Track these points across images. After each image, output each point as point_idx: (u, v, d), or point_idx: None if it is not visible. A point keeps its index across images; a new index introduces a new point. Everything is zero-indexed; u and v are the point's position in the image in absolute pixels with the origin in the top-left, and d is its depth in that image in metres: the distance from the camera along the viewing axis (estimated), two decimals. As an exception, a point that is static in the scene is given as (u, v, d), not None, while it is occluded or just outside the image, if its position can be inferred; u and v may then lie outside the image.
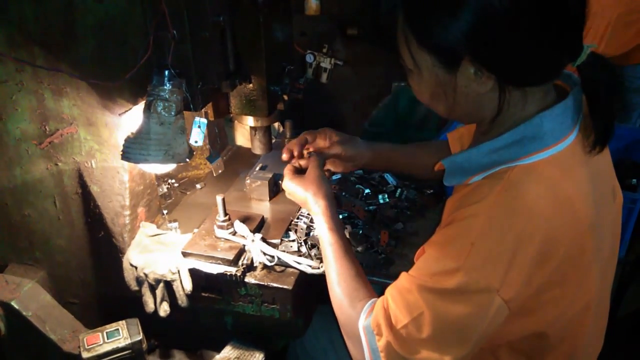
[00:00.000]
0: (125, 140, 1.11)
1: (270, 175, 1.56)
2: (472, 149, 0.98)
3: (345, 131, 2.03)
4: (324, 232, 1.18)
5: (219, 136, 1.77)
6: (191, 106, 1.12)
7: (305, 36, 2.33)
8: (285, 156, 1.34)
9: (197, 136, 1.22)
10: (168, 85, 1.06)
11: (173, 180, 1.67)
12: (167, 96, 1.06)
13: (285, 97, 1.35)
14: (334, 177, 1.66)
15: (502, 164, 0.92)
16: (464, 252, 0.88)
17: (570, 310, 0.97)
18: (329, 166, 1.41)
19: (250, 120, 1.37)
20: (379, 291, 1.09)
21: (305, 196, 1.23)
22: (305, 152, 1.36)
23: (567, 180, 0.91)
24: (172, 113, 1.07)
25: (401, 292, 0.96)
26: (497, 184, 0.89)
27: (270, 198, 1.57)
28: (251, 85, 1.26)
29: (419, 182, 1.67)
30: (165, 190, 1.63)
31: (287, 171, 1.31)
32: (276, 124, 2.01)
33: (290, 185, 1.27)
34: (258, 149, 1.45)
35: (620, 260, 1.95)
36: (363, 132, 2.33)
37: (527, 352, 1.02)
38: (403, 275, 0.99)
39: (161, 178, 1.66)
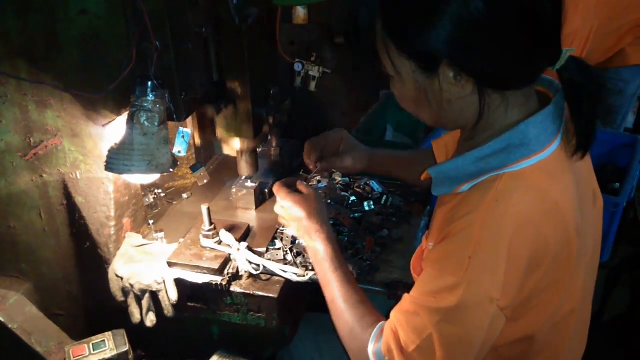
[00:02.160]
0: (109, 151, 1.11)
1: (256, 184, 1.57)
2: (459, 157, 0.98)
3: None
4: (325, 257, 1.17)
5: (204, 146, 1.77)
6: (174, 116, 1.13)
7: (294, 45, 2.35)
8: (310, 166, 1.39)
9: (181, 146, 1.23)
10: (151, 96, 1.07)
11: (159, 190, 1.67)
12: (150, 107, 1.06)
13: (271, 120, 1.37)
14: (319, 185, 1.67)
15: (489, 172, 0.93)
16: (463, 266, 0.88)
17: (558, 313, 0.98)
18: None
19: (236, 143, 1.39)
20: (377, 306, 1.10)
21: (302, 216, 1.21)
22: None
23: (554, 186, 0.92)
24: (156, 124, 1.07)
25: (407, 315, 0.96)
26: (487, 193, 0.90)
27: (257, 207, 1.57)
28: (236, 108, 1.28)
29: (404, 189, 1.68)
30: (152, 200, 1.63)
31: (280, 188, 1.27)
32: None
33: (287, 203, 1.24)
34: (244, 170, 1.47)
35: (604, 264, 1.98)
36: (351, 140, 2.34)
37: (513, 358, 1.03)
38: (406, 297, 0.99)
39: (147, 188, 1.66)
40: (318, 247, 1.18)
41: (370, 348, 1.01)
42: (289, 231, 1.37)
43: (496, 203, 0.89)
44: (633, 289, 2.02)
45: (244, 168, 1.46)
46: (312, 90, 2.30)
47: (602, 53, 2.33)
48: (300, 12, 2.49)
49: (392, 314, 1.00)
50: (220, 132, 1.34)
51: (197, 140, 1.42)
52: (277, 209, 1.29)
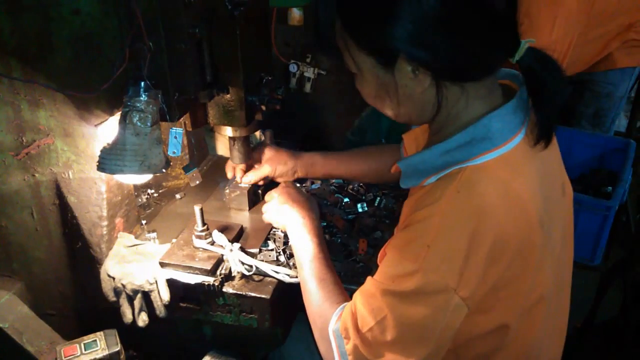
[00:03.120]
0: (101, 151, 1.11)
1: (249, 185, 1.57)
2: (425, 150, 1.01)
3: (329, 140, 2.07)
4: (306, 239, 1.23)
5: (197, 147, 1.77)
6: (167, 117, 1.13)
7: (289, 46, 2.35)
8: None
9: (175, 147, 1.23)
10: (144, 96, 1.06)
11: (152, 191, 1.67)
12: (142, 107, 1.06)
13: (263, 108, 1.37)
14: (312, 187, 1.68)
15: (454, 165, 0.95)
16: (421, 254, 0.91)
17: (525, 304, 1.00)
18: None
19: (228, 131, 1.38)
20: None
21: (292, 199, 1.31)
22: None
23: (517, 178, 0.94)
24: (148, 124, 1.07)
25: (366, 296, 1.00)
26: (450, 184, 0.93)
27: (250, 208, 1.57)
28: (229, 95, 1.28)
29: (397, 191, 1.68)
30: (145, 200, 1.63)
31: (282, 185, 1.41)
32: (257, 133, 2.02)
33: (273, 196, 1.35)
34: (237, 159, 1.46)
35: (596, 267, 2.00)
36: (346, 141, 2.34)
37: (486, 351, 1.04)
38: (369, 279, 1.03)
39: (140, 188, 1.66)
40: (301, 228, 1.25)
41: (331, 326, 1.05)
42: (267, 216, 1.41)
43: (457, 194, 0.91)
44: (625, 292, 2.03)
45: (236, 157, 1.46)
46: (307, 91, 2.31)
47: (588, 59, 2.34)
48: (296, 14, 2.49)
49: (355, 294, 1.04)
50: (212, 120, 1.33)
51: (189, 127, 1.41)
52: (271, 193, 1.39)
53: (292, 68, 2.28)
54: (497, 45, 0.92)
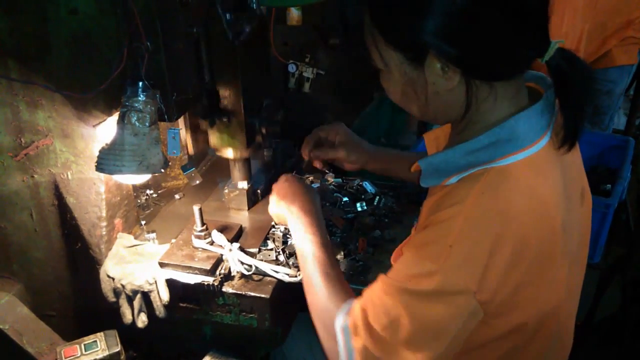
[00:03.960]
0: (100, 152, 1.11)
1: (248, 185, 1.57)
2: (448, 150, 0.98)
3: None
4: (309, 234, 1.19)
5: (196, 147, 1.77)
6: (166, 117, 1.13)
7: (287, 46, 2.35)
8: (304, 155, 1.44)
9: (174, 147, 1.23)
10: (142, 96, 1.07)
11: (151, 191, 1.67)
12: (141, 107, 1.06)
13: (264, 131, 1.38)
14: (312, 186, 1.68)
15: (478, 166, 0.93)
16: (443, 254, 0.88)
17: (543, 308, 0.98)
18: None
19: (229, 152, 1.40)
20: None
21: (295, 193, 1.26)
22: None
23: (541, 182, 0.92)
24: (147, 124, 1.07)
25: (379, 294, 0.96)
26: (474, 186, 0.91)
27: (249, 207, 1.57)
28: (229, 120, 1.29)
29: (397, 190, 1.68)
30: (144, 200, 1.63)
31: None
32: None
33: (287, 179, 1.31)
34: (237, 179, 1.48)
35: (596, 265, 1.99)
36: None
37: (502, 356, 1.03)
38: (381, 277, 0.99)
39: (139, 189, 1.66)
40: (307, 222, 1.20)
41: (339, 323, 1.01)
42: (269, 209, 1.36)
43: (482, 196, 0.89)
44: (624, 290, 2.03)
45: (237, 177, 1.48)
46: (306, 91, 2.31)
47: (588, 55, 2.35)
48: (294, 14, 2.49)
49: (365, 292, 1.00)
50: (213, 142, 1.36)
51: (190, 145, 1.43)
52: (274, 186, 1.33)
53: (291, 68, 2.27)
54: (528, 44, 0.90)
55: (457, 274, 0.88)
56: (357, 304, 1.00)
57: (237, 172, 1.46)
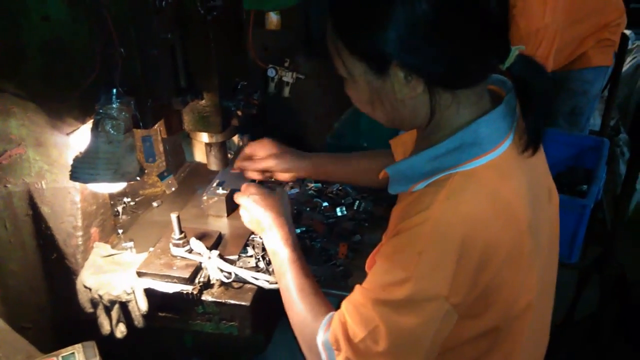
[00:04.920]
0: (74, 160, 1.09)
1: (227, 191, 1.55)
2: (414, 156, 1.00)
3: (309, 144, 2.04)
4: (281, 249, 1.21)
5: (174, 153, 1.76)
6: (141, 124, 1.11)
7: (267, 51, 2.34)
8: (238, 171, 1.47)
9: (150, 154, 1.21)
10: (116, 103, 1.05)
11: (129, 199, 1.65)
12: (115, 114, 1.05)
13: (239, 113, 1.36)
14: (291, 192, 1.67)
15: (443, 171, 0.94)
16: (412, 261, 0.90)
17: (514, 308, 0.99)
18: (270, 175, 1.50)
19: (204, 137, 1.37)
20: (337, 305, 1.09)
21: (260, 210, 1.28)
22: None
23: (505, 184, 0.94)
24: (121, 131, 1.06)
25: (356, 305, 0.98)
26: (439, 191, 0.92)
27: (228, 214, 1.56)
28: (203, 101, 1.26)
29: (376, 194, 1.69)
30: (121, 209, 1.61)
31: (241, 191, 1.36)
32: (236, 139, 2.01)
33: (246, 202, 1.31)
34: (214, 165, 1.45)
35: (574, 265, 2.02)
36: (326, 145, 2.34)
37: (476, 355, 1.04)
38: (357, 288, 1.01)
39: (116, 197, 1.64)
40: (278, 238, 1.23)
41: (320, 338, 1.03)
42: (245, 221, 1.37)
43: (447, 201, 0.90)
44: (602, 288, 2.06)
45: (213, 163, 1.44)
46: (286, 96, 2.31)
47: (565, 57, 2.39)
48: (273, 18, 2.49)
49: (343, 304, 1.02)
50: (187, 126, 1.32)
51: (164, 134, 1.38)
52: (241, 199, 1.34)
53: (271, 73, 2.27)
54: (490, 52, 0.92)
55: (428, 280, 0.90)
56: (336, 317, 1.01)
57: (213, 157, 1.42)
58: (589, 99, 2.54)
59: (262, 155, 1.47)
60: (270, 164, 1.45)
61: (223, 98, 1.27)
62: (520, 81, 0.95)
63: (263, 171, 1.48)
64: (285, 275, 1.17)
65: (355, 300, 0.98)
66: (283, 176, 1.49)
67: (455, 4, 0.86)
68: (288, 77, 2.30)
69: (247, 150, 1.49)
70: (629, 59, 3.32)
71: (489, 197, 0.91)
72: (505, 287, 0.95)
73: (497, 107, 0.96)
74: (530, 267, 0.99)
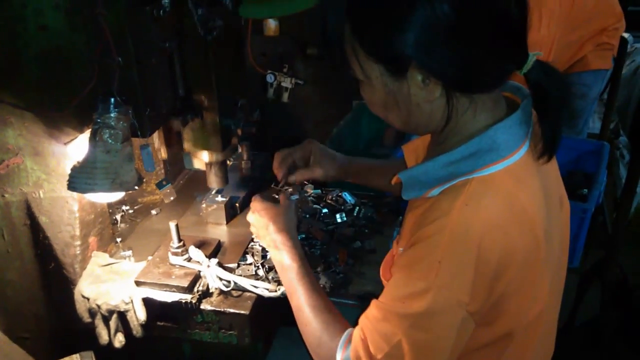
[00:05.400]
0: (72, 170, 1.08)
1: (226, 199, 1.55)
2: (428, 161, 0.98)
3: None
4: (291, 265, 1.18)
5: (173, 161, 1.75)
6: (139, 133, 1.11)
7: (265, 56, 2.35)
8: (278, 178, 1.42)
9: (148, 163, 1.21)
10: (114, 112, 1.04)
11: (127, 207, 1.64)
12: (113, 124, 1.04)
13: (239, 132, 1.36)
14: (291, 198, 1.66)
15: (459, 177, 0.93)
16: (432, 271, 0.88)
17: (527, 315, 0.99)
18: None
19: (205, 155, 1.37)
20: (345, 315, 1.10)
21: (268, 224, 1.24)
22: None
23: (522, 190, 0.93)
24: (119, 140, 1.05)
25: (376, 321, 0.96)
26: (457, 198, 0.90)
27: (227, 222, 1.56)
28: (203, 121, 1.27)
29: (376, 200, 1.68)
30: (120, 217, 1.60)
31: (255, 198, 1.32)
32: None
33: (256, 213, 1.28)
34: (214, 183, 1.46)
35: (575, 270, 2.01)
36: (324, 150, 2.34)
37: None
38: (374, 303, 0.99)
39: (115, 205, 1.63)
40: (284, 255, 1.19)
41: (339, 356, 1.01)
42: (258, 240, 1.36)
43: (466, 208, 0.89)
44: (603, 292, 2.05)
45: (214, 181, 1.44)
46: (285, 101, 2.31)
47: (565, 62, 2.39)
48: (271, 24, 2.49)
49: (361, 320, 1.00)
50: (187, 146, 1.32)
51: (164, 155, 1.39)
52: (249, 217, 1.31)
53: (269, 78, 2.27)
54: (508, 57, 0.91)
55: (449, 289, 0.88)
56: (356, 334, 0.99)
57: (213, 176, 1.43)
58: (587, 102, 2.55)
59: (310, 161, 1.44)
60: (317, 173, 1.43)
61: (223, 117, 1.27)
62: (538, 87, 0.94)
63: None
64: (296, 293, 1.14)
65: (375, 316, 0.97)
66: (321, 179, 1.47)
67: (476, 7, 0.85)
68: (287, 83, 2.30)
69: (295, 155, 1.44)
70: (627, 62, 3.32)
71: (506, 203, 0.90)
72: (520, 294, 0.94)
73: (513, 113, 0.95)
74: (544, 276, 0.98)
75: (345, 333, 1.04)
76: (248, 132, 1.36)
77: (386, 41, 0.88)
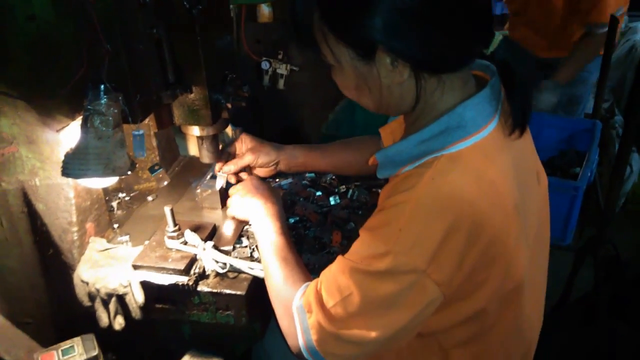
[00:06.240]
0: (65, 156, 1.10)
1: (222, 184, 1.57)
2: (402, 141, 1.02)
3: (304, 136, 2.04)
4: (272, 235, 1.24)
5: (168, 148, 1.77)
6: (130, 119, 1.12)
7: (260, 44, 2.35)
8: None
9: (140, 149, 1.23)
10: (104, 99, 1.06)
11: (124, 194, 1.67)
12: (103, 110, 1.06)
13: (229, 105, 1.37)
14: (284, 182, 1.69)
15: (430, 154, 0.97)
16: (393, 237, 0.93)
17: (502, 289, 1.01)
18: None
19: (195, 130, 1.38)
20: None
21: (247, 190, 1.35)
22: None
23: (491, 165, 0.96)
24: (110, 127, 1.07)
25: (334, 274, 1.01)
26: (425, 172, 0.94)
27: (222, 206, 1.58)
28: (192, 95, 1.28)
29: (369, 182, 1.70)
30: (116, 204, 1.62)
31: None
32: (229, 131, 2.02)
33: (235, 190, 1.38)
34: (206, 158, 1.46)
35: (568, 247, 2.04)
36: (321, 136, 2.36)
37: (467, 336, 1.06)
38: (339, 258, 1.04)
39: (112, 192, 1.65)
40: (263, 210, 1.28)
41: (295, 303, 1.07)
42: (230, 210, 1.42)
43: (432, 181, 0.93)
44: (596, 269, 2.08)
45: (205, 156, 1.45)
46: (281, 88, 2.32)
47: (559, 52, 2.39)
48: (265, 10, 2.49)
49: (323, 272, 1.05)
50: (178, 120, 1.33)
51: (154, 142, 1.41)
52: (228, 201, 1.41)
53: (265, 65, 2.28)
54: (474, 37, 0.94)
55: (407, 255, 0.92)
56: (312, 284, 1.06)
57: (205, 150, 1.44)
58: (587, 87, 2.55)
59: (240, 151, 1.50)
60: (247, 160, 1.48)
61: (212, 91, 1.28)
62: (504, 65, 0.97)
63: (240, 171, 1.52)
64: (269, 246, 1.21)
65: (335, 269, 1.02)
66: (261, 172, 1.52)
67: None
68: (282, 69, 2.31)
69: (229, 150, 1.51)
70: (622, 41, 3.32)
71: (474, 178, 0.93)
72: (493, 266, 0.97)
73: (481, 90, 0.98)
74: (517, 248, 1.00)
75: (305, 283, 1.10)
76: (238, 106, 1.37)
77: (354, 25, 0.91)
